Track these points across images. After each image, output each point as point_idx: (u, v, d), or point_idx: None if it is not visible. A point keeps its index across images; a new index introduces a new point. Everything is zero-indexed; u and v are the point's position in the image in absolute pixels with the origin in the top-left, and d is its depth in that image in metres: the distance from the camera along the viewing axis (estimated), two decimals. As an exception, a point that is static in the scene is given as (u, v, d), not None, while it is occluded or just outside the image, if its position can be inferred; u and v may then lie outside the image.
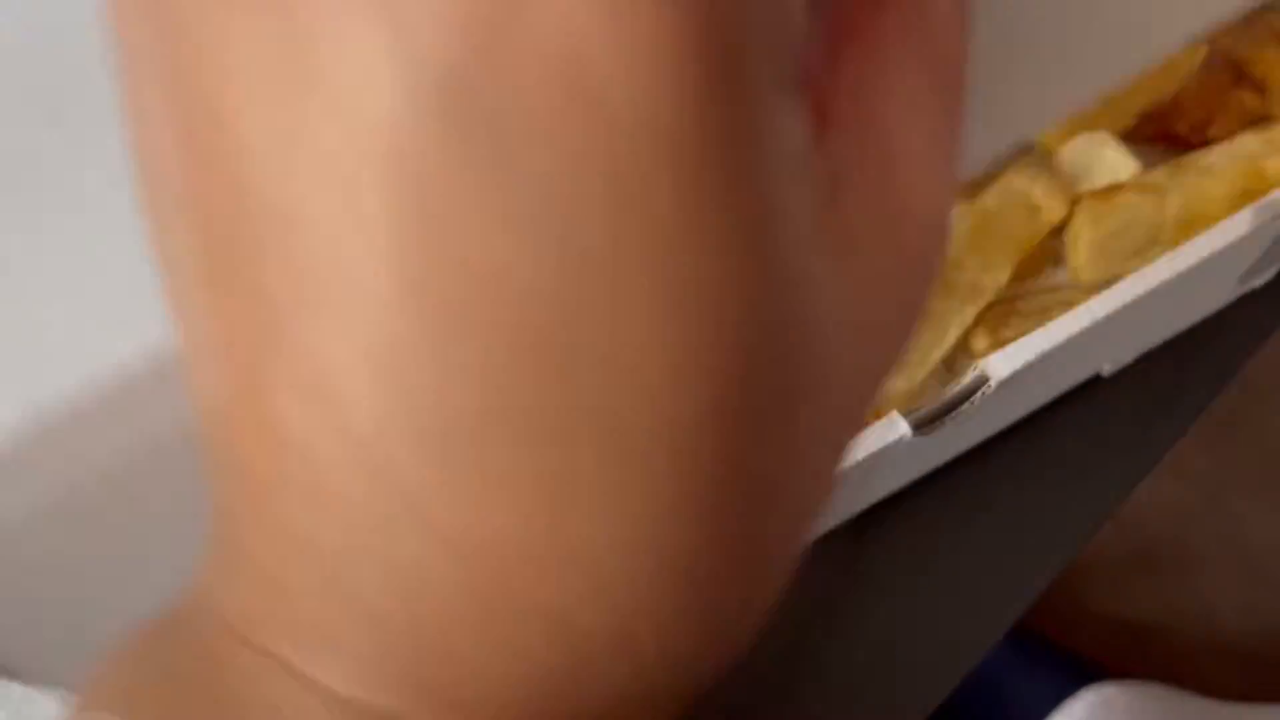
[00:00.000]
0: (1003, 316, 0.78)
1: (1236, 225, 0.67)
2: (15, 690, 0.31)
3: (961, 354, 0.79)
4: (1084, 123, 0.78)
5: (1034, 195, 0.77)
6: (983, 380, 0.65)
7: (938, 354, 0.76)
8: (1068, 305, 0.78)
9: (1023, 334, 0.77)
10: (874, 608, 0.78)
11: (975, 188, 0.79)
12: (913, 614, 0.78)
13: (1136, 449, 0.81)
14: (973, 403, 0.66)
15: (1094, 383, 0.80)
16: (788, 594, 0.22)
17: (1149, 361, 0.81)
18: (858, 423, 0.22)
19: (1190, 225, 0.80)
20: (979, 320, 0.77)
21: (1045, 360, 0.66)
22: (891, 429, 0.64)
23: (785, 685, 0.75)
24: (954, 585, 0.78)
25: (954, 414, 0.66)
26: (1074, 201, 0.78)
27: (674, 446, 0.18)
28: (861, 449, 0.64)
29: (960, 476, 0.78)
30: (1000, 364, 0.65)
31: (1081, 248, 0.77)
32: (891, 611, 0.78)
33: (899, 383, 0.75)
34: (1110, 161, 0.77)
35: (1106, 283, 0.80)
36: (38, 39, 0.25)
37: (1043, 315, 0.78)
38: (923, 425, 0.66)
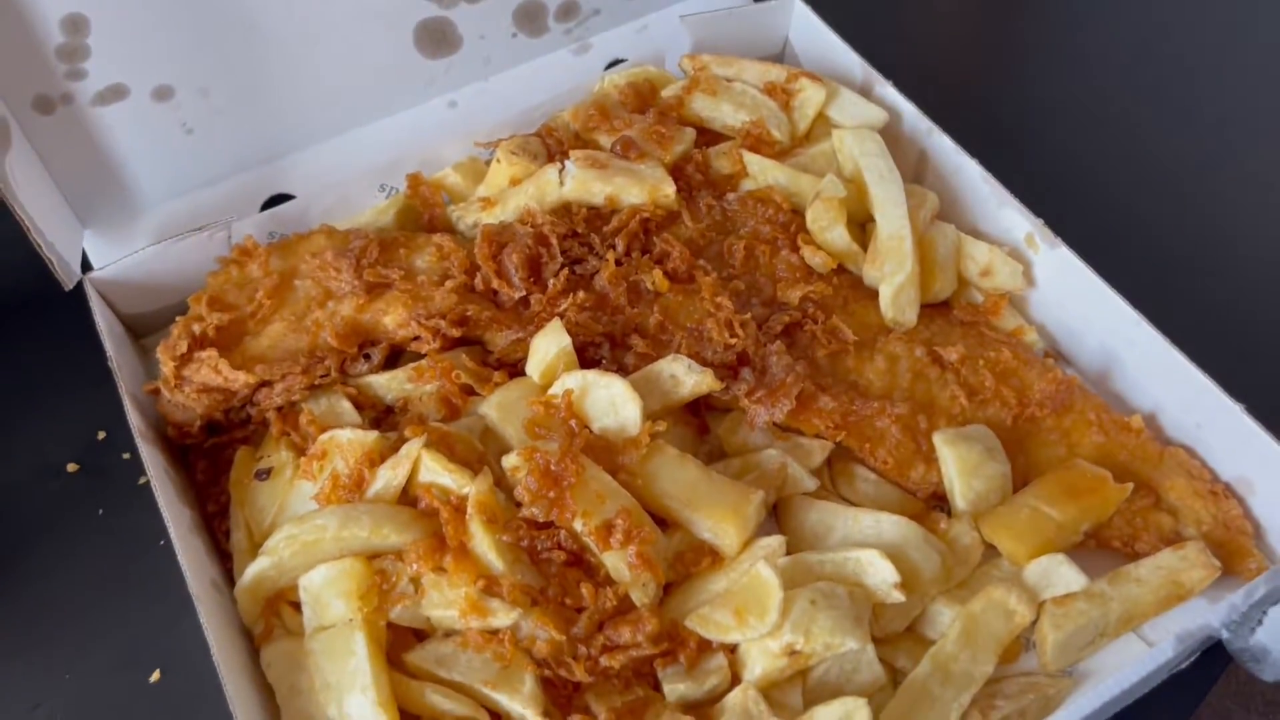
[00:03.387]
0: (990, 699, 0.99)
1: (1164, 650, 0.89)
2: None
3: (960, 730, 0.99)
4: (1045, 545, 1.02)
5: (1009, 603, 1.00)
6: (985, 775, 0.85)
7: (943, 734, 0.96)
8: (1039, 689, 1.00)
9: (1008, 714, 0.98)
10: None
11: (965, 595, 1.02)
12: None
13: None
14: (977, 791, 0.86)
15: (1063, 748, 1.00)
16: None
17: (1105, 728, 1.01)
18: None
19: (1128, 622, 1.03)
20: (973, 703, 0.98)
21: (1031, 755, 0.87)
22: (918, 816, 0.84)
23: None
24: None
25: (962, 798, 0.86)
26: (1040, 607, 1.01)
27: None
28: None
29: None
30: (997, 762, 0.85)
31: (1048, 645, 0.99)
32: None
33: (913, 758, 0.95)
34: (1065, 576, 1.01)
35: (1068, 667, 1.02)
36: None
37: (1021, 697, 0.99)
38: (939, 809, 0.85)
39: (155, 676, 1.03)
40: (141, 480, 1.14)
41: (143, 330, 1.23)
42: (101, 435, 1.19)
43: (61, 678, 1.04)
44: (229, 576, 1.03)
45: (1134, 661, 0.90)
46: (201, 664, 0.95)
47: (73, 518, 1.14)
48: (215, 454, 1.13)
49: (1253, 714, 2.22)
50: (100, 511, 1.14)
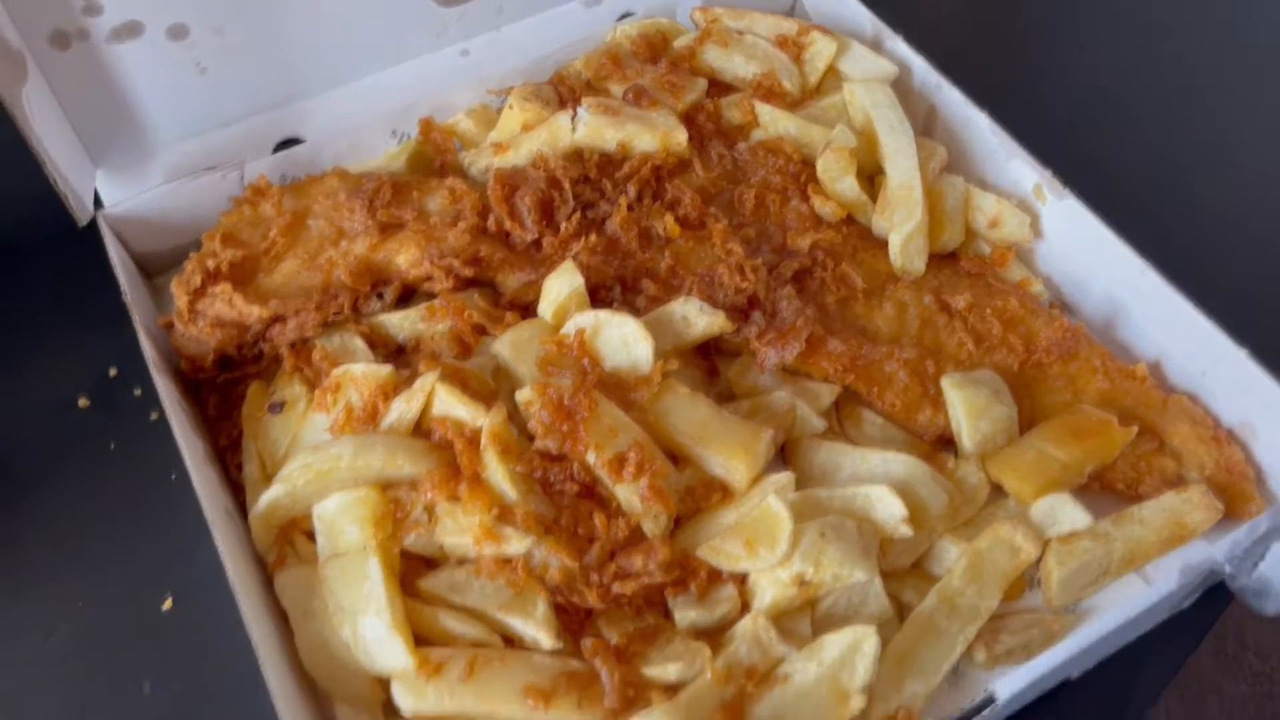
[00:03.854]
0: (994, 633, 1.00)
1: (1167, 583, 0.91)
2: None
3: (965, 663, 1.00)
4: (1050, 484, 1.03)
5: (1015, 540, 1.01)
6: (991, 700, 0.87)
7: (947, 666, 0.97)
8: (1043, 624, 1.01)
9: (1012, 648, 0.99)
10: None
11: (971, 533, 1.03)
12: None
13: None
14: (983, 717, 0.87)
15: (1064, 684, 1.01)
16: None
17: (1107, 665, 1.02)
18: None
19: (1131, 562, 1.04)
20: (978, 636, 0.99)
21: (1038, 680, 0.88)
22: (926, 739, 0.85)
23: None
24: None
25: (968, 723, 0.87)
26: (1045, 544, 1.02)
27: None
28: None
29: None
30: (1005, 685, 0.87)
31: (1052, 582, 1.00)
32: None
33: (919, 687, 0.96)
34: (1070, 515, 1.02)
35: (1071, 605, 1.04)
36: None
37: (1025, 632, 1.01)
38: (946, 733, 0.87)
39: (167, 604, 1.04)
40: (153, 415, 1.15)
41: (154, 269, 1.24)
42: (113, 372, 1.20)
43: (75, 606, 1.04)
44: (241, 507, 1.04)
45: (1138, 596, 0.91)
46: (212, 592, 0.96)
47: (85, 452, 1.14)
48: (227, 389, 1.13)
49: (1241, 684, 2.25)
50: (112, 446, 1.15)
